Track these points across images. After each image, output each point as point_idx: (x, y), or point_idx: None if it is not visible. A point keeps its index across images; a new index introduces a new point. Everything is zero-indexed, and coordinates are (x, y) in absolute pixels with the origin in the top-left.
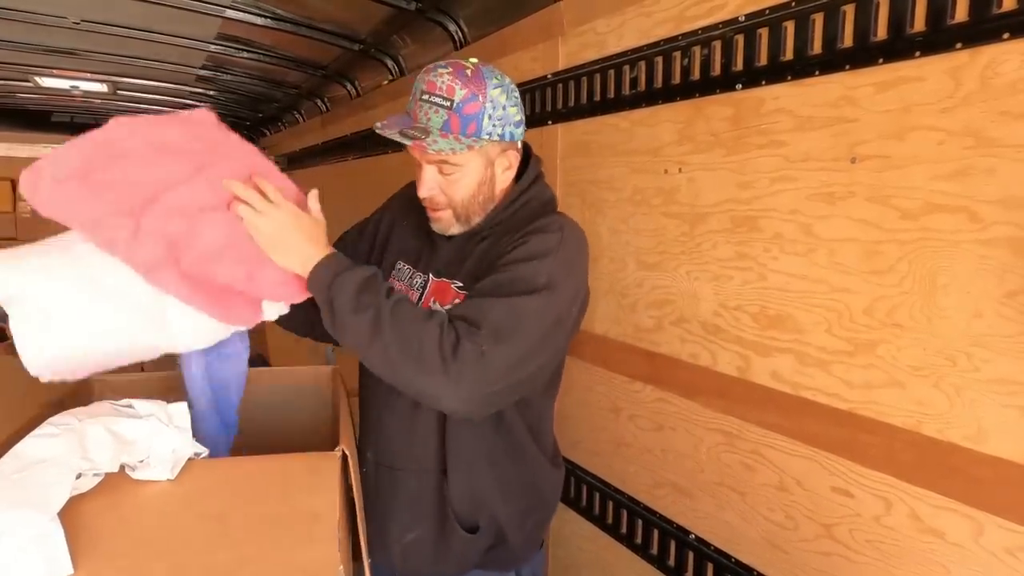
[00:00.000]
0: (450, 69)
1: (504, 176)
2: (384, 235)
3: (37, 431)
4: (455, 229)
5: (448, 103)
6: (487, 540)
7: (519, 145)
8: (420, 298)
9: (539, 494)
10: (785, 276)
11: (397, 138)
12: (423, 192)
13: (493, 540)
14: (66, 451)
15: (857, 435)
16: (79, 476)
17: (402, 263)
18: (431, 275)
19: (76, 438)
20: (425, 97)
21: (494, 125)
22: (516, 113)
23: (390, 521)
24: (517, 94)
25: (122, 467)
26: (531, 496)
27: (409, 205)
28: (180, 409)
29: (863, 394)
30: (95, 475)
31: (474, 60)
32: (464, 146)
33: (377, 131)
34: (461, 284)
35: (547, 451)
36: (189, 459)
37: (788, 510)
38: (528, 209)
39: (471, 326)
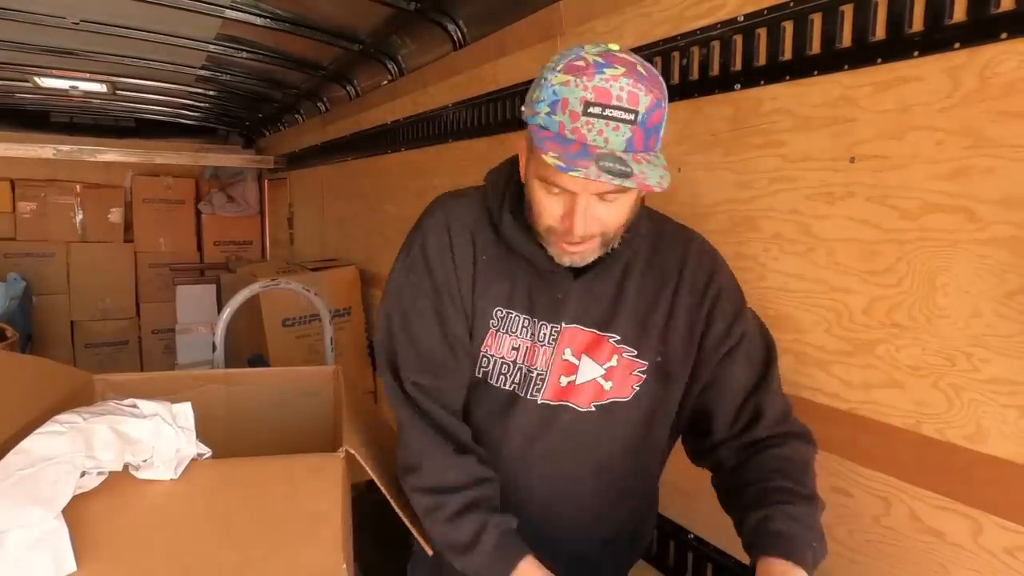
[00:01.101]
0: (623, 69)
1: None
2: (467, 282)
3: (43, 428)
4: (594, 256)
5: (632, 116)
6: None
7: None
8: (554, 352)
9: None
10: (784, 276)
11: (608, 180)
12: (587, 230)
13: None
14: (71, 449)
15: (856, 435)
16: (83, 474)
17: (504, 310)
18: (563, 323)
19: (81, 436)
20: (595, 111)
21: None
22: None
23: None
24: None
25: (126, 466)
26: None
27: (474, 232)
28: (184, 409)
29: (862, 394)
30: (99, 474)
31: (614, 46)
32: (663, 166)
33: (572, 174)
34: (619, 338)
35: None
36: (192, 459)
37: None
38: (644, 218)
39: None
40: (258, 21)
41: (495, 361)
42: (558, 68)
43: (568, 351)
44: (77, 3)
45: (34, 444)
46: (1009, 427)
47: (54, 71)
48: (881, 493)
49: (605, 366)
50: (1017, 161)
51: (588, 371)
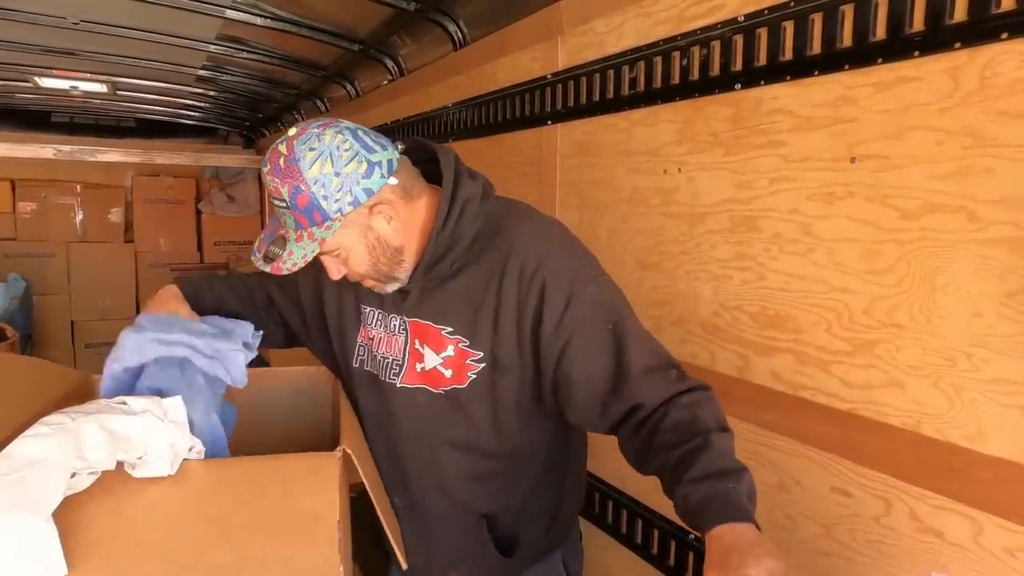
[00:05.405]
0: (268, 166)
1: (393, 227)
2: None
3: (29, 431)
4: (392, 287)
5: (285, 204)
6: (529, 553)
7: (390, 183)
8: (406, 341)
9: (568, 496)
10: (784, 276)
11: (263, 267)
12: (333, 277)
13: (536, 551)
14: (60, 451)
15: (856, 435)
16: (74, 475)
17: (367, 307)
18: (405, 316)
19: (70, 437)
20: (272, 201)
21: (336, 200)
22: (357, 166)
23: (431, 559)
24: (348, 143)
25: (121, 465)
26: (565, 502)
27: None
28: (175, 403)
29: (862, 394)
30: (91, 474)
31: (292, 131)
32: (316, 243)
33: (259, 267)
34: (452, 329)
35: (572, 458)
36: (187, 459)
37: (787, 510)
38: (476, 218)
39: (678, 373)
40: (258, 21)
41: (366, 349)
42: None
43: (417, 341)
44: (77, 3)
45: (20, 448)
46: (1009, 427)
47: (54, 71)
48: (881, 493)
49: (442, 355)
50: (1017, 161)
51: (430, 360)
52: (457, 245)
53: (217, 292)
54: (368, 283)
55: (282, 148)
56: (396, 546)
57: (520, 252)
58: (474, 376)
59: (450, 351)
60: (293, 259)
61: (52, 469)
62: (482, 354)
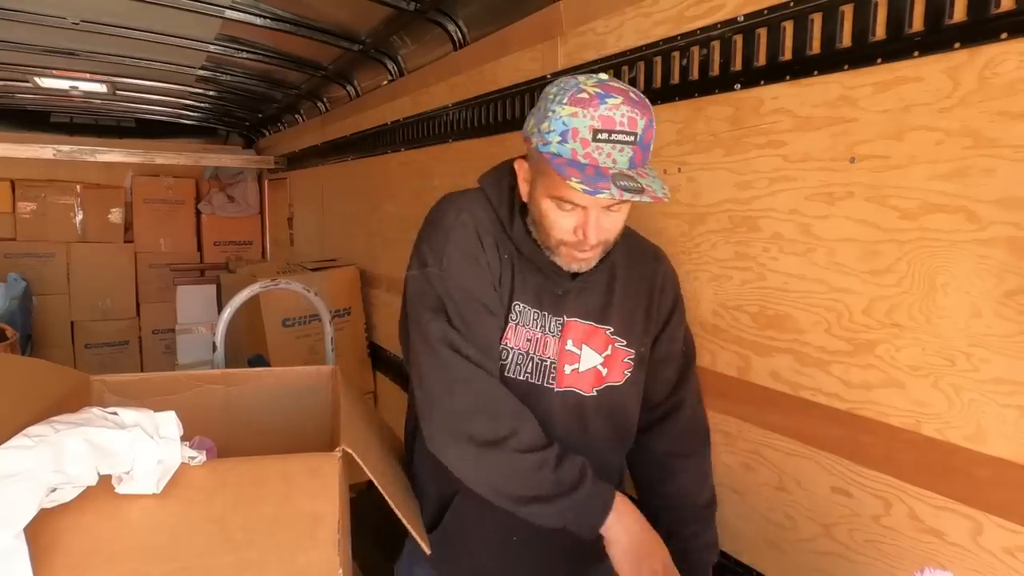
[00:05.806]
0: (620, 98)
1: None
2: (504, 274)
3: (10, 443)
4: (595, 263)
5: (632, 138)
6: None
7: None
8: (558, 342)
9: None
10: (784, 276)
11: (628, 197)
12: (602, 237)
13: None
14: (37, 465)
15: (856, 435)
16: (55, 489)
17: (521, 304)
18: (565, 317)
19: (50, 450)
20: (603, 136)
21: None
22: None
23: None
24: None
25: (108, 479)
26: None
27: (493, 233)
28: (167, 418)
29: (862, 394)
30: (75, 487)
31: (604, 76)
32: (659, 177)
33: (599, 196)
34: (613, 330)
35: None
36: (183, 464)
37: (787, 510)
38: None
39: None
40: (258, 21)
41: (513, 353)
42: (563, 101)
43: (570, 342)
44: (77, 3)
45: None
46: (1009, 427)
47: (54, 71)
48: (881, 493)
49: (603, 355)
50: (1017, 161)
51: (589, 359)
52: (614, 249)
53: None
54: (596, 252)
55: (613, 82)
56: (417, 534)
57: (662, 281)
58: (629, 373)
59: (609, 350)
60: (665, 191)
61: (27, 484)
62: (634, 352)
